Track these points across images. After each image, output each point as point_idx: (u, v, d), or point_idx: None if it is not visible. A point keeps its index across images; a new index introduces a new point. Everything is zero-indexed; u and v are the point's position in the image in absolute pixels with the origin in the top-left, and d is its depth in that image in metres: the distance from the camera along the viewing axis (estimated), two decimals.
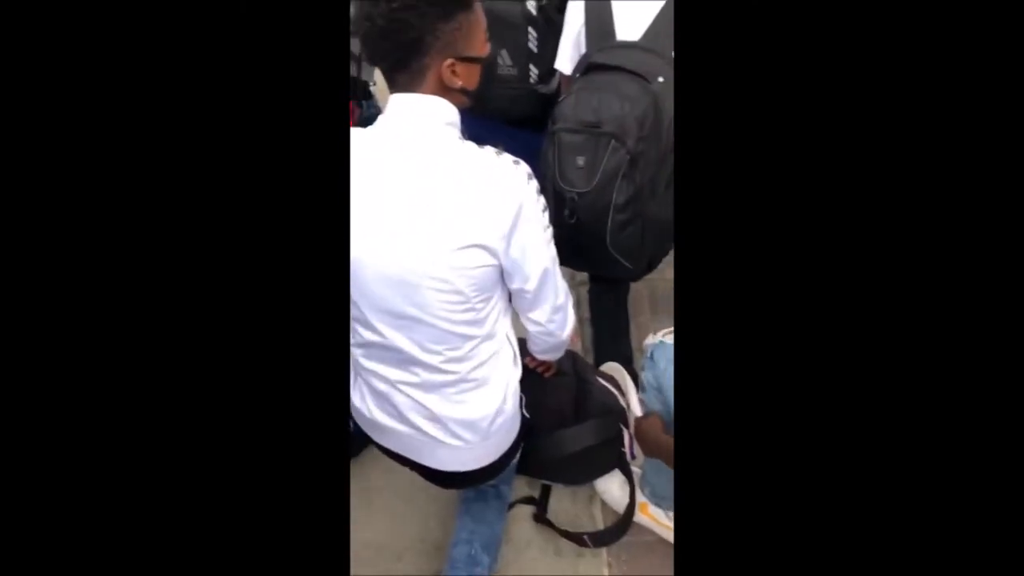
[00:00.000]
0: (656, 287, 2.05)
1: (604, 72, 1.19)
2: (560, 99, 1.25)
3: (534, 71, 1.44)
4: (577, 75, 1.26)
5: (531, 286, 0.99)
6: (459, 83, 0.93)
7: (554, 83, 1.44)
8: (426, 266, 0.92)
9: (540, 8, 1.38)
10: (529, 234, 0.94)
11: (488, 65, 1.06)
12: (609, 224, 1.21)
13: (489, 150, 0.94)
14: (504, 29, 1.36)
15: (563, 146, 1.21)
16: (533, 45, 1.40)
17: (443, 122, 0.94)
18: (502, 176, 0.92)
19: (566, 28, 1.34)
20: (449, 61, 0.91)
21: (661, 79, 1.15)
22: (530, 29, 1.39)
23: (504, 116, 1.49)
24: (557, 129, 1.22)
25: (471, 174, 0.91)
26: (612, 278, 1.41)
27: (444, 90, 0.94)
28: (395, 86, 0.95)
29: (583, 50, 1.31)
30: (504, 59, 1.39)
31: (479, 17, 0.95)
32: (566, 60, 1.34)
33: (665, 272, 1.57)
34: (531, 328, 1.10)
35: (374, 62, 0.97)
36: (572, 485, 1.55)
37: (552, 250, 1.02)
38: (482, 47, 0.97)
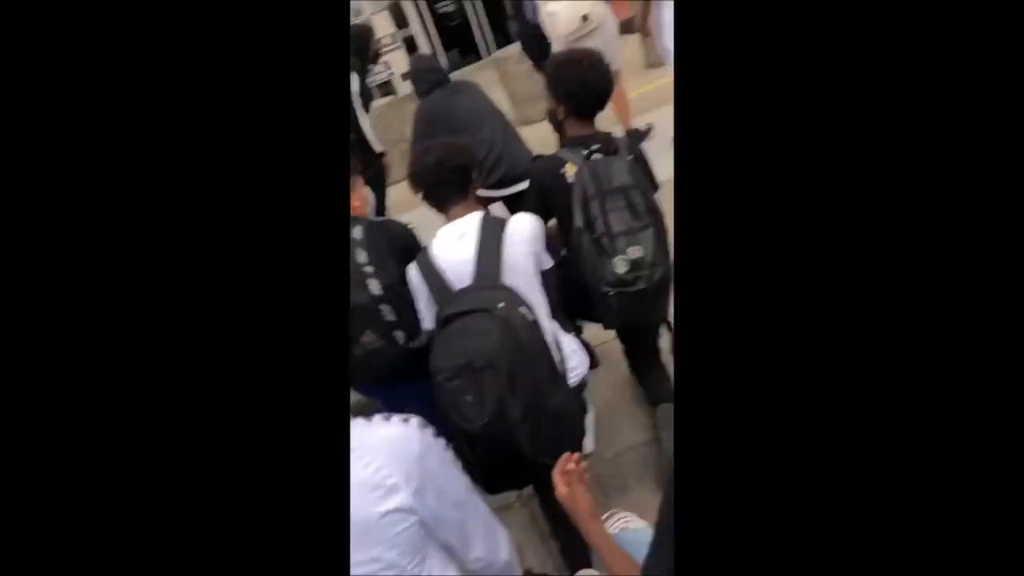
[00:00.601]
0: None
1: (456, 319, 1.38)
2: (431, 352, 1.42)
3: (400, 335, 1.58)
4: (436, 329, 1.45)
5: (459, 529, 1.09)
6: None
7: (424, 337, 1.58)
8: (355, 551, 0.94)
9: (385, 288, 1.55)
10: (439, 477, 1.05)
11: None
12: (519, 438, 1.34)
13: (376, 419, 1.04)
14: (359, 316, 1.53)
15: (448, 391, 1.36)
16: (391, 317, 1.57)
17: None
18: (394, 441, 1.01)
19: (415, 295, 1.55)
20: None
21: (501, 304, 1.36)
22: (380, 307, 1.55)
23: (391, 378, 1.62)
24: (439, 380, 1.37)
25: (369, 452, 0.99)
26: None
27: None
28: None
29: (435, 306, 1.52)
30: (369, 338, 1.55)
31: None
32: (428, 321, 1.55)
33: None
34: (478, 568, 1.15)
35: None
36: None
37: (466, 479, 1.14)
38: None
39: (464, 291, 1.45)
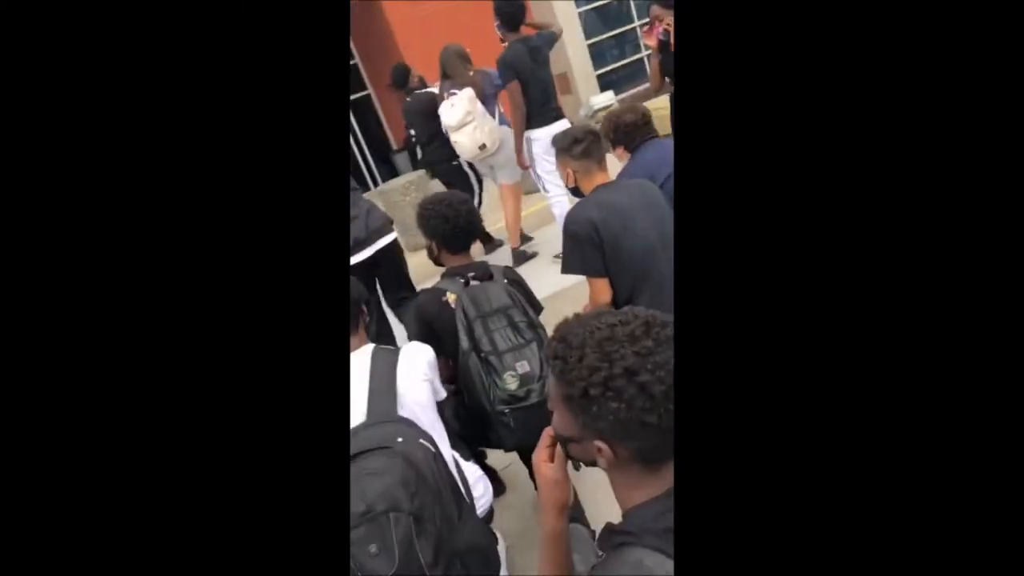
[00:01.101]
0: None
1: (355, 461, 1.31)
2: None
3: None
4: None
5: None
6: None
7: None
8: None
9: None
10: None
11: None
12: None
13: None
14: None
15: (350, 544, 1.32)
16: None
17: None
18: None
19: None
20: None
21: (400, 439, 1.31)
22: None
23: None
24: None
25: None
26: None
27: None
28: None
29: None
30: None
31: None
32: None
33: None
34: None
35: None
36: None
37: None
38: None
39: (356, 430, 1.40)
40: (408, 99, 4.51)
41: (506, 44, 3.73)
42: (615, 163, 2.27)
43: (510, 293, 1.72)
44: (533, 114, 3.68)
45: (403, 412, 1.41)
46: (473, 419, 1.71)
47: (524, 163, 3.90)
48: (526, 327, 1.68)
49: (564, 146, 1.98)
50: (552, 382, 0.83)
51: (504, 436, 1.68)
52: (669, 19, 2.87)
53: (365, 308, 1.61)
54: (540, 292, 2.00)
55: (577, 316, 0.85)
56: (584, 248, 1.87)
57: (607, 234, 1.84)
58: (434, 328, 1.75)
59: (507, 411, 1.63)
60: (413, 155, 8.69)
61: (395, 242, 2.80)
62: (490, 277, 1.77)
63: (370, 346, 1.53)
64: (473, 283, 1.73)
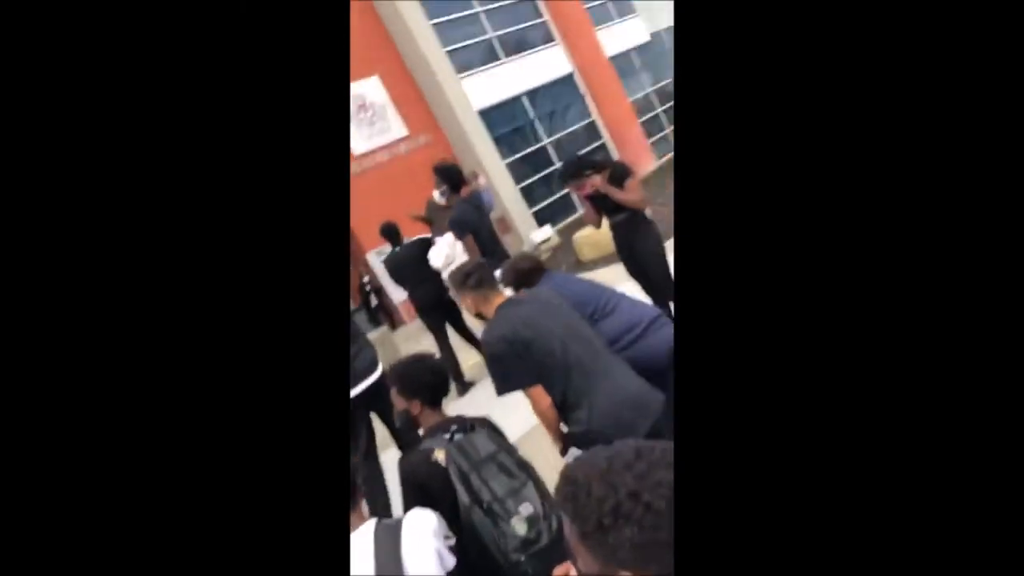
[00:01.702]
0: None
1: None
2: None
3: None
4: None
5: None
6: None
7: None
8: None
9: None
10: None
11: None
12: None
13: None
14: None
15: None
16: None
17: None
18: None
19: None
20: None
21: None
22: None
23: None
24: None
25: None
26: None
27: None
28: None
29: None
30: None
31: None
32: None
33: None
34: None
35: None
36: None
37: None
38: None
39: None
40: (396, 250, 4.81)
41: (452, 204, 4.25)
42: None
43: (493, 439, 1.76)
44: (486, 254, 4.07)
45: None
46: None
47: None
48: (517, 468, 1.69)
49: (459, 281, 2.19)
50: (567, 525, 0.84)
51: None
52: (595, 180, 3.32)
53: (360, 482, 1.56)
54: (511, 435, 2.04)
55: (576, 459, 0.90)
56: (508, 365, 1.99)
57: (522, 344, 1.96)
58: (427, 490, 1.72)
59: (523, 559, 1.58)
60: (369, 309, 8.90)
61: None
62: (472, 428, 1.80)
63: (371, 522, 1.49)
64: (457, 436, 1.75)
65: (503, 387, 2.03)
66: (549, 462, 2.58)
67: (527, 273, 2.64)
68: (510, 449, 1.78)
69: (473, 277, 2.18)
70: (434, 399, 1.89)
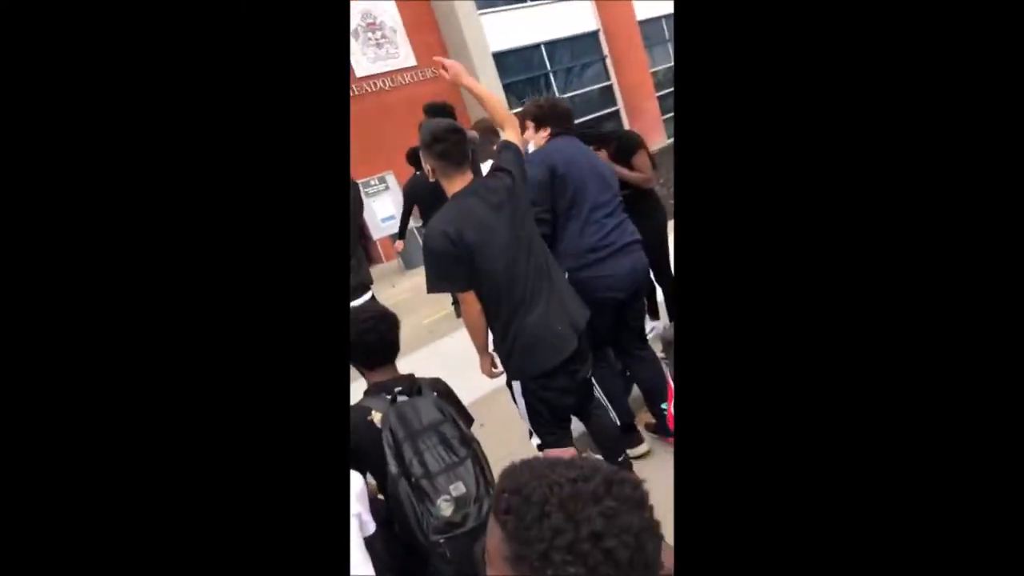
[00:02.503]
0: None
1: None
2: None
3: None
4: None
5: None
6: None
7: None
8: None
9: None
10: None
11: None
12: None
13: None
14: None
15: None
16: None
17: None
18: None
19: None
20: None
21: None
22: None
23: None
24: None
25: None
26: None
27: None
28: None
29: None
30: None
31: None
32: None
33: None
34: None
35: None
36: None
37: None
38: None
39: None
40: (418, 174, 4.41)
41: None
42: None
43: (440, 407, 1.61)
44: None
45: None
46: (407, 552, 1.55)
47: None
48: (459, 443, 1.56)
49: (426, 142, 1.90)
50: (497, 534, 0.76)
51: (440, 569, 1.52)
52: (600, 155, 3.03)
53: None
54: (467, 398, 1.91)
55: (526, 464, 0.80)
56: (444, 264, 1.83)
57: (464, 247, 1.79)
58: (359, 451, 1.61)
59: (442, 540, 1.48)
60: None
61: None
62: (419, 392, 1.66)
63: None
64: (400, 399, 1.62)
65: (433, 286, 1.88)
66: (504, 426, 2.53)
67: (562, 117, 2.41)
68: (457, 418, 1.64)
69: (441, 145, 1.86)
70: (369, 361, 1.73)
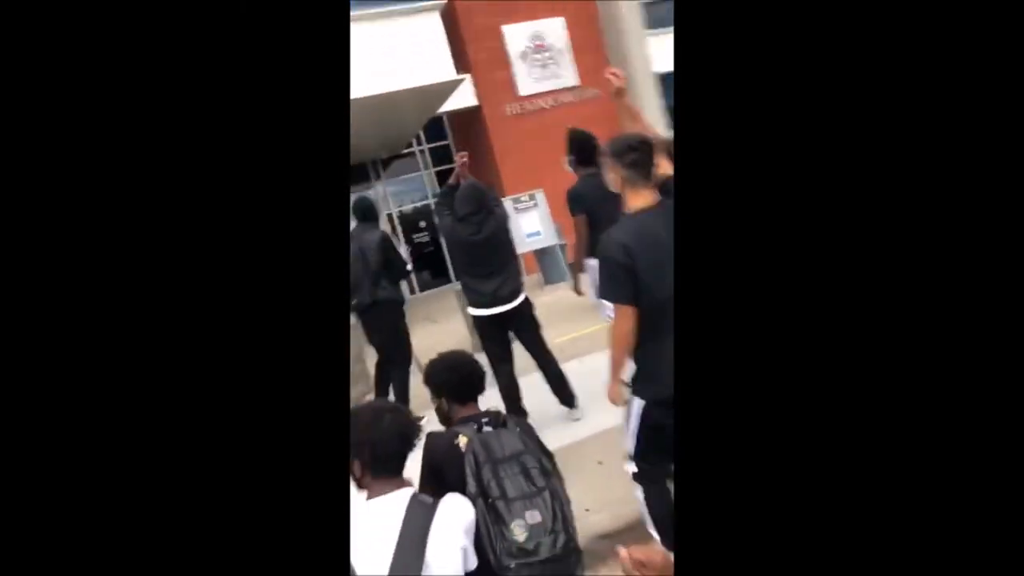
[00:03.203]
0: None
1: None
2: None
3: None
4: None
5: None
6: None
7: None
8: None
9: None
10: None
11: None
12: None
13: None
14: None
15: None
16: None
17: None
18: None
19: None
20: None
21: None
22: None
23: None
24: None
25: None
26: None
27: None
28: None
29: None
30: None
31: None
32: None
33: None
34: None
35: None
36: None
37: None
38: None
39: None
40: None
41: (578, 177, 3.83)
42: None
43: (523, 440, 1.69)
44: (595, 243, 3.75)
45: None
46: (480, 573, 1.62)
47: (581, 290, 3.93)
48: (539, 474, 1.61)
49: (617, 151, 1.89)
50: None
51: None
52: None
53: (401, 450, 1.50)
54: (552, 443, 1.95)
55: None
56: (616, 273, 1.86)
57: (636, 260, 1.83)
58: (443, 473, 1.70)
59: (513, 565, 1.51)
60: None
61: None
62: (504, 424, 1.75)
63: (407, 492, 1.42)
64: (486, 429, 1.72)
65: (605, 293, 1.95)
66: (586, 479, 2.49)
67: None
68: (540, 454, 1.69)
69: (633, 155, 1.89)
70: (460, 396, 1.86)
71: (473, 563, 1.41)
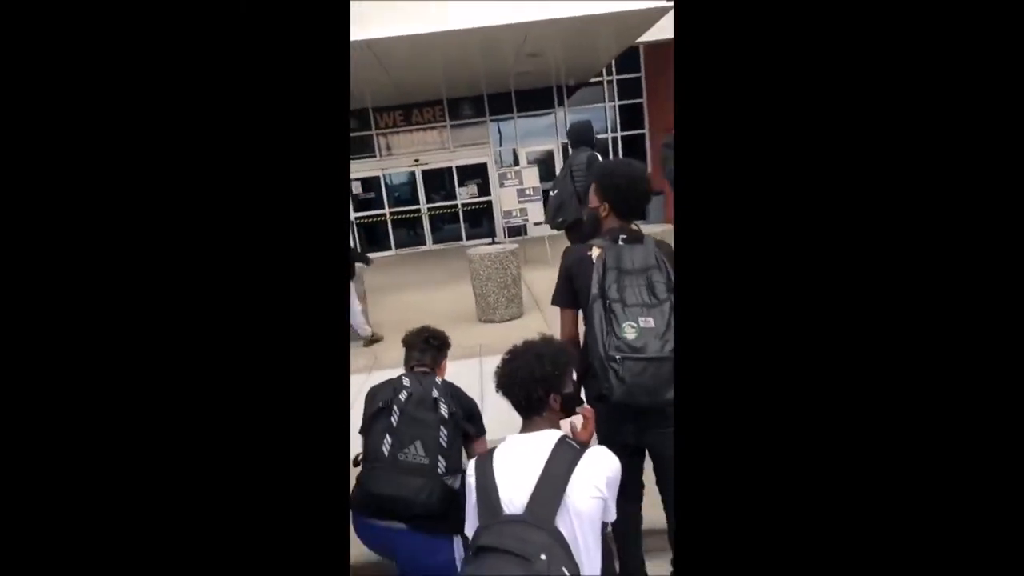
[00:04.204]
0: None
1: (489, 554, 1.26)
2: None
3: (442, 463, 1.74)
4: (470, 553, 1.35)
5: None
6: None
7: (458, 480, 1.71)
8: None
9: (451, 414, 1.81)
10: None
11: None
12: None
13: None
14: (420, 426, 1.76)
15: None
16: (444, 441, 1.77)
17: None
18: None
19: (468, 492, 1.46)
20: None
21: (543, 556, 1.21)
22: (442, 428, 1.77)
23: (409, 508, 1.71)
24: None
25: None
26: None
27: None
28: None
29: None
30: (417, 449, 1.74)
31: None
32: (470, 526, 1.46)
33: None
34: None
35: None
36: None
37: None
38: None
39: (509, 522, 1.30)
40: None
41: None
42: None
43: (657, 256, 1.69)
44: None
45: (561, 524, 1.28)
46: (590, 373, 1.66)
47: None
48: (664, 288, 1.63)
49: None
50: None
51: (612, 385, 1.57)
52: None
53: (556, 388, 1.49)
54: None
55: None
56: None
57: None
58: (573, 280, 1.77)
59: (618, 358, 1.55)
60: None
61: None
62: (640, 240, 1.75)
63: (557, 434, 1.42)
64: (622, 242, 1.74)
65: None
66: None
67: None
68: (670, 271, 1.68)
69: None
70: (622, 208, 1.83)
71: (612, 517, 1.39)
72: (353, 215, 11.00)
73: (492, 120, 11.28)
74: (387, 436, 1.76)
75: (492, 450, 1.44)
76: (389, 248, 11.40)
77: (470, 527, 1.42)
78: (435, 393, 1.84)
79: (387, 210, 11.58)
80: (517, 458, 1.39)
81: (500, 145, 11.48)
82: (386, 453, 1.73)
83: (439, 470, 1.72)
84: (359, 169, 11.15)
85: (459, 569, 1.69)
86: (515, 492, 1.32)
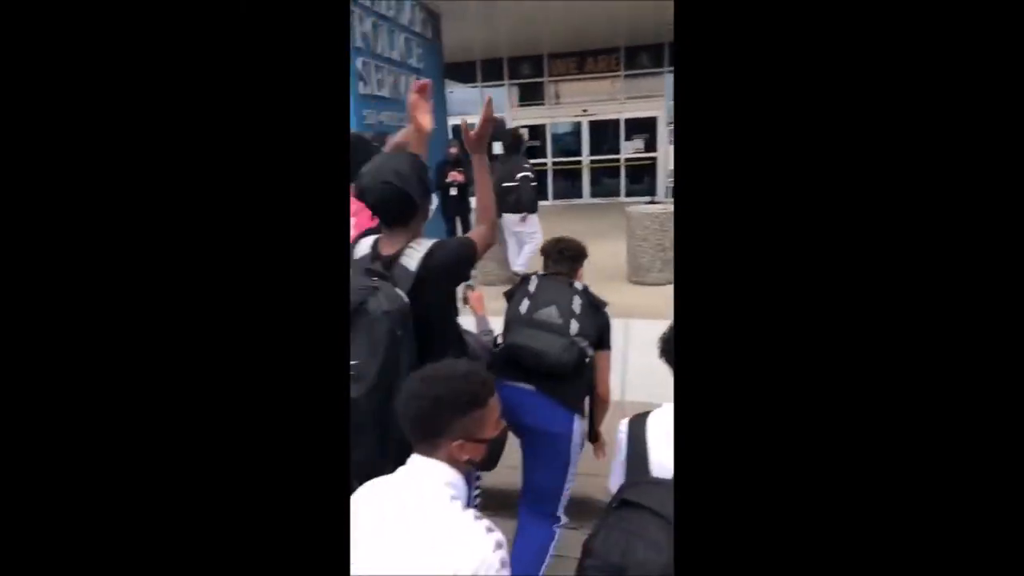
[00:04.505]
0: None
1: (634, 510, 1.25)
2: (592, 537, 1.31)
3: (575, 325, 1.83)
4: (613, 505, 1.33)
5: None
6: (465, 457, 1.14)
7: (589, 350, 1.84)
8: None
9: (586, 289, 1.93)
10: None
11: (494, 441, 1.23)
12: None
13: (469, 514, 1.04)
14: (556, 293, 1.89)
15: None
16: (577, 308, 1.87)
17: (442, 483, 1.12)
18: (467, 543, 1.02)
19: (618, 447, 1.50)
20: (459, 442, 1.13)
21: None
22: (575, 297, 1.88)
23: (541, 360, 1.79)
24: (588, 565, 1.26)
25: (442, 536, 1.03)
26: None
27: (452, 460, 1.14)
28: (416, 448, 1.16)
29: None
30: (552, 312, 1.85)
31: (493, 407, 1.18)
32: (615, 481, 1.48)
33: None
34: None
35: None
36: None
37: None
38: (492, 430, 1.18)
39: (656, 483, 1.33)
40: None
41: None
42: None
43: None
44: None
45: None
46: None
47: None
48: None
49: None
50: None
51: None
52: None
53: None
54: None
55: None
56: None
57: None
58: None
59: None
60: None
61: None
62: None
63: (626, 421, 1.50)
64: None
65: None
66: None
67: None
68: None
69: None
70: None
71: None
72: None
73: (670, 72, 10.63)
74: (525, 300, 1.93)
75: (647, 413, 1.49)
76: (547, 198, 11.43)
77: (615, 482, 1.48)
78: (572, 283, 2.00)
79: (549, 159, 11.57)
80: (671, 427, 1.41)
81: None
82: (523, 313, 1.89)
83: (571, 331, 1.83)
84: (527, 116, 11.18)
85: (572, 449, 1.85)
86: (665, 457, 1.36)
